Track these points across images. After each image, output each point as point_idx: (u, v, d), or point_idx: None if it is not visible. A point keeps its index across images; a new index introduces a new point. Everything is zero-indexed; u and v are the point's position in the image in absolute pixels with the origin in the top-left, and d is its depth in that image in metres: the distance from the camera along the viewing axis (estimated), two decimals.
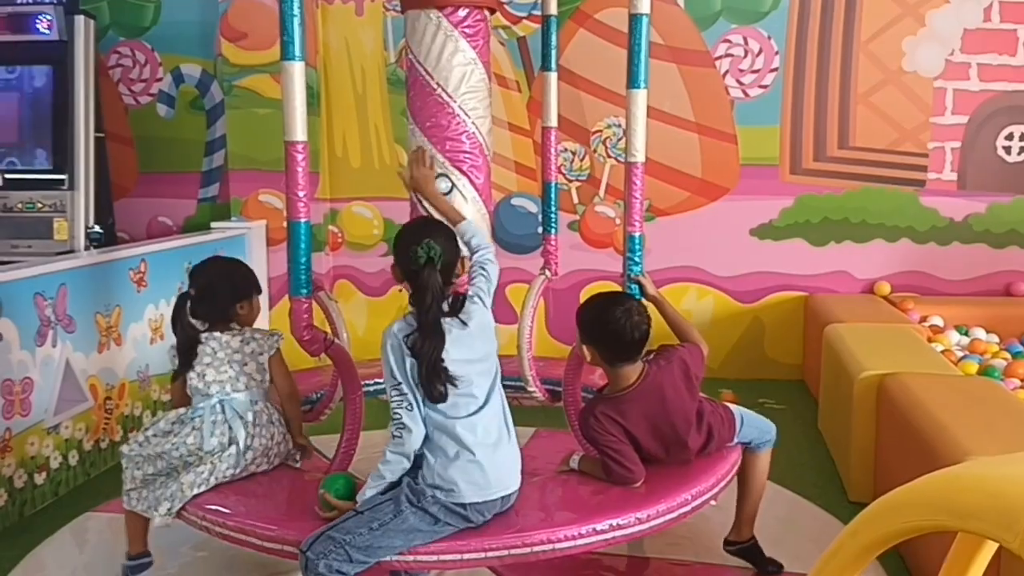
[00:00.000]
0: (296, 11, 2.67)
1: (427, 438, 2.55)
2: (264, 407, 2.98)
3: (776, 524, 3.59)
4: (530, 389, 3.77)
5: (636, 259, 3.21)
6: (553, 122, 3.96)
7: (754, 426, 3.11)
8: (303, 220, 2.79)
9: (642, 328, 2.77)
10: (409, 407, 2.52)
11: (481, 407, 2.57)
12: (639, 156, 3.13)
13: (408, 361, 2.52)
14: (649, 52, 3.16)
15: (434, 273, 2.53)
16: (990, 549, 1.42)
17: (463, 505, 2.50)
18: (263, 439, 2.92)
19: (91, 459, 4.28)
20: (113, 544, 3.63)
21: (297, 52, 2.69)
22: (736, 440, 3.05)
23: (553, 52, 3.96)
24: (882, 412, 3.65)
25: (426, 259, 2.52)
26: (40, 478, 3.94)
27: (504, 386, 2.72)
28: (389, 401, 2.55)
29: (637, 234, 3.19)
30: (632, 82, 3.10)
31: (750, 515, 3.16)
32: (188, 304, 2.99)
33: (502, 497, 2.57)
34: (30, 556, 3.46)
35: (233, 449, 2.85)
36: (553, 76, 4.00)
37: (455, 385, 2.52)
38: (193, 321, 2.99)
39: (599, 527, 2.56)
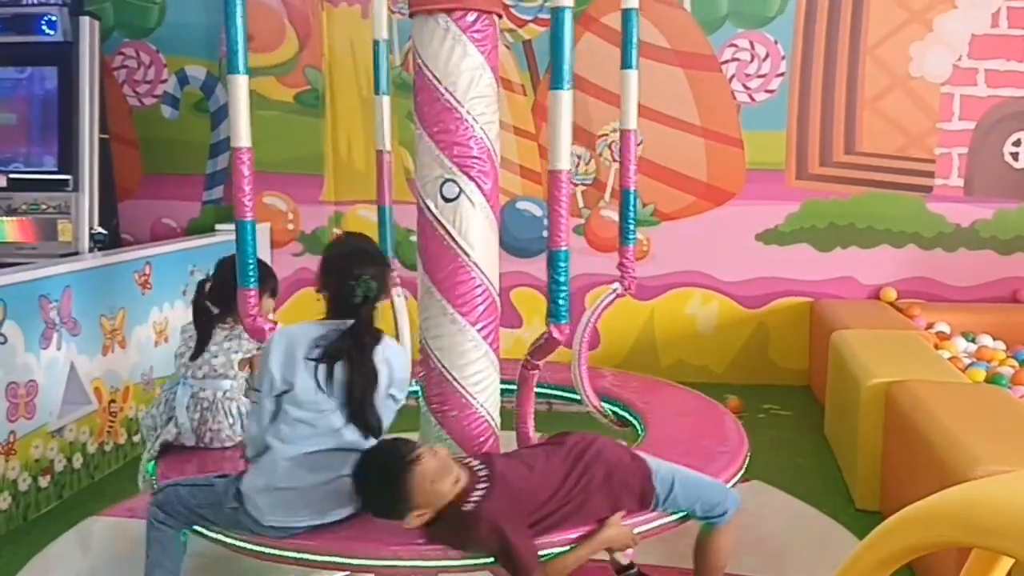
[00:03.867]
0: (240, 25, 2.73)
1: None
2: (212, 395, 3.15)
3: (781, 531, 3.59)
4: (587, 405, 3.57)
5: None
6: (632, 125, 3.58)
7: (694, 492, 2.60)
8: (249, 219, 2.97)
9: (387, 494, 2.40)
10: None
11: (318, 450, 2.50)
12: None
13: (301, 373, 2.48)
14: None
15: (371, 312, 2.56)
16: (1005, 566, 1.40)
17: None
18: (195, 422, 3.13)
19: (95, 462, 4.27)
20: (117, 548, 3.63)
21: (241, 66, 2.80)
22: (658, 506, 2.58)
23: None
24: (889, 419, 3.63)
25: (363, 298, 2.53)
26: (44, 481, 3.93)
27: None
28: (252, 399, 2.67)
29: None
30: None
31: None
32: (205, 290, 3.25)
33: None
34: (34, 560, 3.45)
35: (170, 426, 3.13)
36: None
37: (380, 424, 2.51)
38: (209, 305, 3.24)
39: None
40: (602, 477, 2.50)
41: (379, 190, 3.92)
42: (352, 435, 2.51)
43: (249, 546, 2.58)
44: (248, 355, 3.19)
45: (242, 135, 2.86)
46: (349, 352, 2.51)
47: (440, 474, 2.33)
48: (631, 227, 3.50)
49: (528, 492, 2.43)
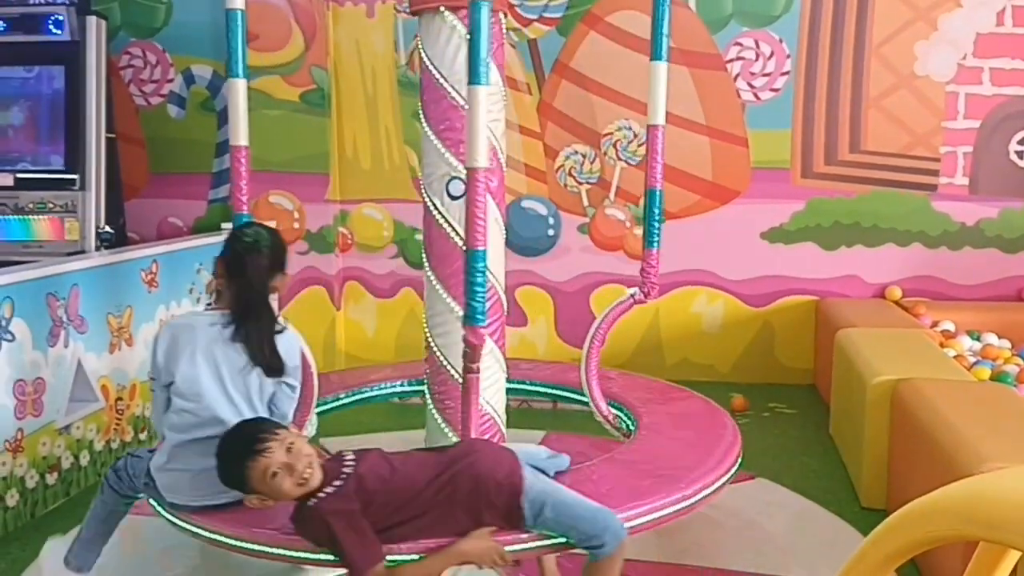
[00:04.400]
0: (240, 33, 2.88)
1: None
2: None
3: (787, 529, 3.59)
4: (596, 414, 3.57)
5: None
6: (661, 120, 3.34)
7: (567, 520, 2.45)
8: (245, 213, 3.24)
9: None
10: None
11: (204, 436, 2.58)
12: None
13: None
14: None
15: (261, 259, 2.67)
16: (1012, 559, 1.41)
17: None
18: None
19: (102, 459, 4.29)
20: (124, 545, 3.63)
21: (240, 70, 2.97)
22: (527, 527, 2.46)
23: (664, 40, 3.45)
24: (895, 417, 3.63)
25: (253, 242, 2.68)
26: (52, 478, 3.95)
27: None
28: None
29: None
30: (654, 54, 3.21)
31: None
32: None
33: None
34: (42, 557, 3.45)
35: None
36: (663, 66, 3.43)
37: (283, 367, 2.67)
38: None
39: None
40: (467, 490, 2.41)
41: None
42: (237, 420, 2.59)
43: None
44: None
45: (240, 134, 3.08)
46: (245, 306, 2.66)
47: (283, 470, 2.31)
48: (656, 229, 3.30)
49: (384, 495, 2.38)
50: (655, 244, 3.30)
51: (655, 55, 3.20)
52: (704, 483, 2.83)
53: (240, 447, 2.36)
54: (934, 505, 1.25)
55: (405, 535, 2.39)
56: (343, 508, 2.34)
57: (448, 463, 2.45)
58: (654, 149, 3.26)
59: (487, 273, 2.66)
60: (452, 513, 2.40)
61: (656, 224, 3.30)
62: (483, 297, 2.66)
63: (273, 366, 2.65)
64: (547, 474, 2.64)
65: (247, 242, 2.68)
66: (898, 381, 3.66)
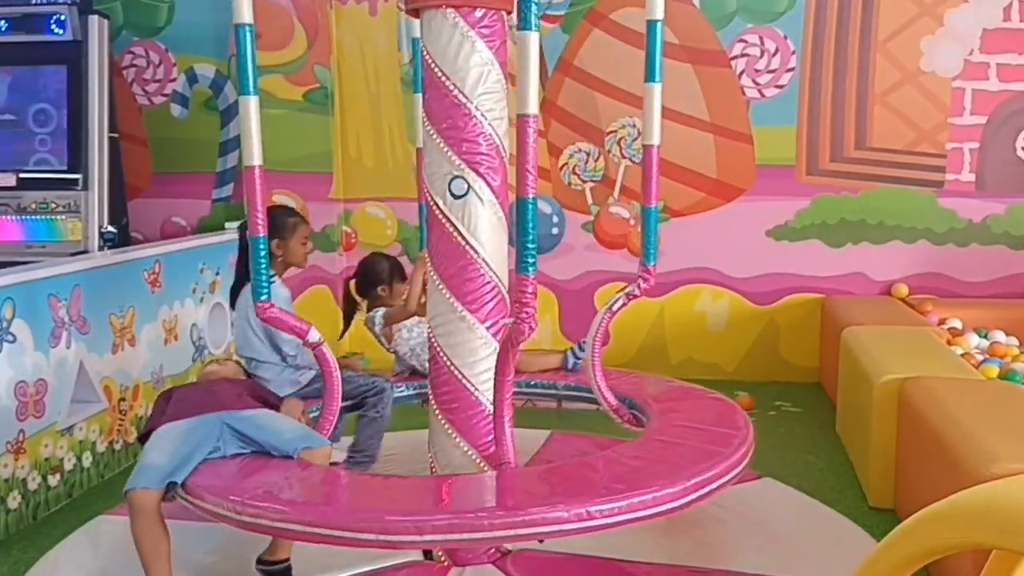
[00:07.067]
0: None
1: None
2: None
3: (793, 529, 3.56)
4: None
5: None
6: (655, 140, 3.30)
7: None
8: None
9: None
10: None
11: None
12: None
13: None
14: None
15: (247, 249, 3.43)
16: None
17: None
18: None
19: (105, 461, 4.28)
20: (127, 547, 3.62)
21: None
22: None
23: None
24: (902, 416, 3.60)
25: (243, 225, 3.37)
26: (54, 480, 3.93)
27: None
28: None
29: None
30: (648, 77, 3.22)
31: None
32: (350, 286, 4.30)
33: None
34: (44, 559, 3.44)
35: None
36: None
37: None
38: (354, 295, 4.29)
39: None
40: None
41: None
42: (254, 346, 3.66)
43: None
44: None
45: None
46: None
47: (227, 371, 3.51)
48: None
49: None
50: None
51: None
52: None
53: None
54: (949, 511, 1.22)
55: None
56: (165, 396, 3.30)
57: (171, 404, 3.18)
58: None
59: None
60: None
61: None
62: (266, 271, 2.95)
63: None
64: (271, 452, 2.92)
65: (239, 228, 3.59)
66: (905, 379, 3.63)
